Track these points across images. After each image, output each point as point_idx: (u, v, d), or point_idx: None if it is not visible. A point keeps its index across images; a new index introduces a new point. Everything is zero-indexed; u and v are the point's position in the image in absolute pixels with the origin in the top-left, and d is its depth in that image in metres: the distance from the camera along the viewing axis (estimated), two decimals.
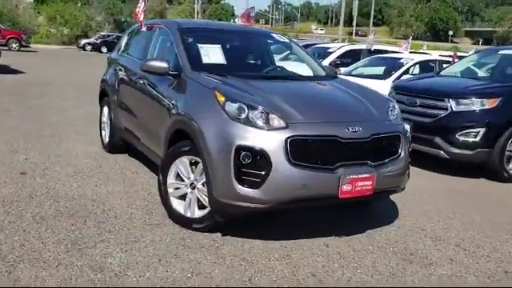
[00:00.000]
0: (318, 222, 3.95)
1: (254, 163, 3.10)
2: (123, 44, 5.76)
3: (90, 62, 24.01)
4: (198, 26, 5.19)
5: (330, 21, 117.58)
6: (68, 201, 4.10)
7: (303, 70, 4.83)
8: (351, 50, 10.99)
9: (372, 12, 68.23)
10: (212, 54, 4.15)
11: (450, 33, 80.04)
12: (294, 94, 3.72)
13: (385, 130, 3.51)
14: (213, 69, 4.00)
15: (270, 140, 3.10)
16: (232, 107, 3.24)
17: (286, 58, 5.97)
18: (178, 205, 3.69)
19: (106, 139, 5.79)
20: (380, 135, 3.43)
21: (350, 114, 3.54)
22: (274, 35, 4.98)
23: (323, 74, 4.55)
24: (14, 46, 28.85)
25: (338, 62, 10.23)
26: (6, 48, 25.93)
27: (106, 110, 5.81)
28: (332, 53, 10.91)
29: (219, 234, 3.57)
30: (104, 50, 37.08)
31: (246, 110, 3.21)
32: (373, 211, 4.31)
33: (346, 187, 3.22)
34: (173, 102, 3.88)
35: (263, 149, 3.08)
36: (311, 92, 3.96)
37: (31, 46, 32.54)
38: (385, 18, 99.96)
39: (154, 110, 4.27)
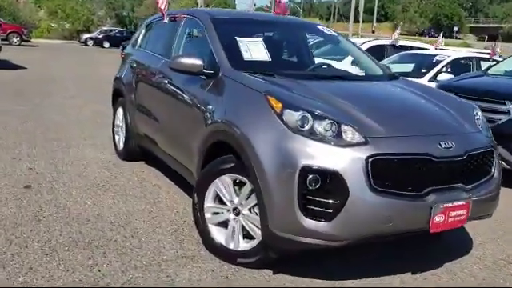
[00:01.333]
0: (385, 256, 3.28)
1: (324, 189, 2.43)
2: (140, 37, 5.07)
3: (92, 57, 23.30)
4: (233, 16, 4.47)
5: (332, 17, 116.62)
6: (82, 224, 3.43)
7: (350, 67, 4.16)
8: (375, 46, 10.29)
9: (375, 8, 67.35)
10: (254, 49, 3.47)
11: (455, 29, 79.10)
12: (363, 98, 3.05)
13: (478, 144, 2.84)
14: (256, 67, 3.33)
15: (345, 159, 2.43)
16: (293, 116, 2.57)
17: (322, 53, 5.29)
18: (217, 233, 3.02)
19: (121, 145, 5.12)
20: (475, 151, 2.75)
21: (439, 125, 2.85)
22: (320, 27, 4.28)
23: (380, 72, 3.87)
24: (14, 40, 28.17)
25: None
26: (6, 42, 25.14)
27: (120, 112, 5.13)
28: None
29: (270, 272, 2.91)
30: (106, 44, 36.42)
31: (311, 120, 2.53)
32: (441, 239, 3.63)
33: (438, 218, 2.55)
34: (209, 107, 3.20)
35: (337, 171, 2.41)
36: (382, 96, 3.27)
37: (32, 40, 31.83)
38: (388, 14, 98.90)
39: (184, 115, 3.61)
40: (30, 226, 3.34)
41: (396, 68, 8.62)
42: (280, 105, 2.64)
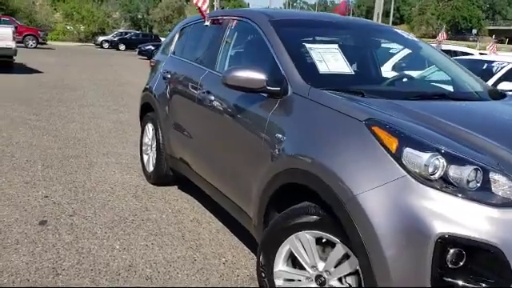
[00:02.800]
0: None
1: (473, 269, 1.67)
2: (174, 43, 4.35)
3: (109, 60, 22.77)
4: (296, 17, 3.68)
5: None
6: (112, 281, 2.71)
7: (435, 80, 3.40)
8: None
9: (392, 10, 66.25)
10: (330, 58, 2.71)
11: (474, 31, 77.51)
12: (490, 127, 2.27)
13: None
14: (337, 82, 2.59)
15: (505, 227, 1.67)
16: (417, 159, 1.81)
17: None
18: None
19: (150, 167, 4.40)
20: None
21: None
22: (399, 31, 3.50)
23: (481, 88, 3.08)
24: (30, 43, 27.82)
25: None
26: (22, 45, 24.80)
27: (150, 128, 4.42)
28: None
29: None
30: (122, 47, 36.02)
31: (444, 165, 1.78)
32: None
33: None
34: (276, 135, 2.46)
35: (495, 245, 1.65)
36: (510, 123, 2.49)
37: (48, 43, 31.47)
38: (404, 16, 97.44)
39: (237, 142, 2.87)
40: (46, 281, 2.63)
41: (443, 76, 7.82)
42: (395, 141, 1.89)
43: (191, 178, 3.72)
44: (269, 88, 2.58)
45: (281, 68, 2.67)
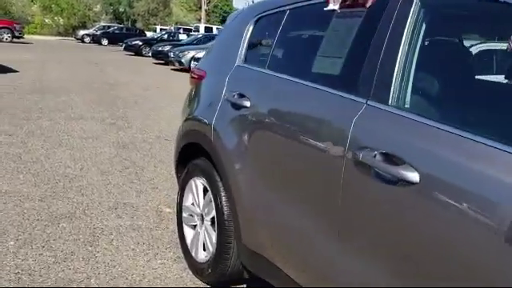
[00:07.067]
0: None
1: None
2: (245, 44, 2.49)
3: (92, 56, 20.64)
4: None
5: None
6: None
7: None
8: (483, 52, 7.84)
9: None
10: None
11: None
12: None
13: None
14: None
15: None
16: None
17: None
18: None
19: (201, 254, 2.58)
20: None
21: None
22: None
23: None
24: (5, 36, 25.50)
25: None
26: None
27: (199, 186, 2.61)
28: None
29: None
30: (105, 42, 33.84)
31: None
32: None
33: None
34: None
35: None
36: None
37: (25, 37, 29.07)
38: None
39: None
40: None
41: None
42: None
43: None
44: None
45: None
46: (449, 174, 1.30)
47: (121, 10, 57.59)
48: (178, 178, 2.93)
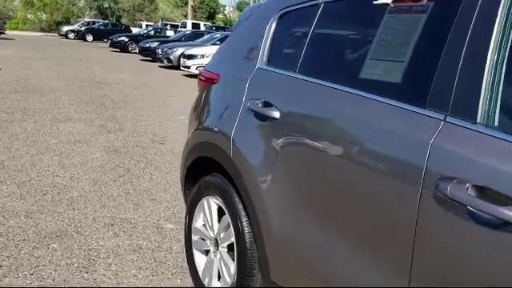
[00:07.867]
0: None
1: None
2: (268, 42, 2.13)
3: (77, 52, 20.06)
4: None
5: None
6: None
7: None
8: None
9: None
10: None
11: None
12: None
13: None
14: None
15: None
16: None
17: None
18: None
19: (217, 284, 2.24)
20: None
21: None
22: None
23: None
24: None
25: None
26: None
27: (213, 207, 2.26)
28: None
29: None
30: (89, 38, 33.15)
31: None
32: None
33: None
34: None
35: None
36: None
37: (6, 32, 28.28)
38: None
39: None
40: None
41: None
42: None
43: None
44: None
45: None
46: None
47: (105, 5, 56.60)
48: (184, 195, 2.57)
